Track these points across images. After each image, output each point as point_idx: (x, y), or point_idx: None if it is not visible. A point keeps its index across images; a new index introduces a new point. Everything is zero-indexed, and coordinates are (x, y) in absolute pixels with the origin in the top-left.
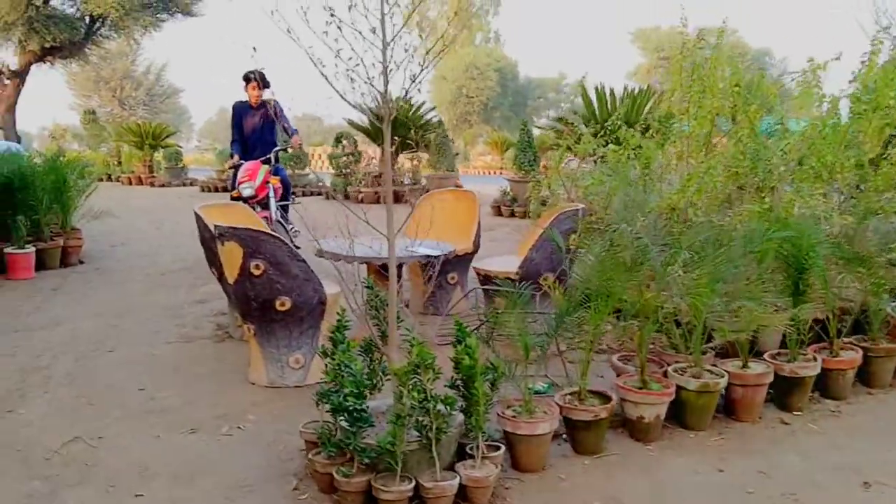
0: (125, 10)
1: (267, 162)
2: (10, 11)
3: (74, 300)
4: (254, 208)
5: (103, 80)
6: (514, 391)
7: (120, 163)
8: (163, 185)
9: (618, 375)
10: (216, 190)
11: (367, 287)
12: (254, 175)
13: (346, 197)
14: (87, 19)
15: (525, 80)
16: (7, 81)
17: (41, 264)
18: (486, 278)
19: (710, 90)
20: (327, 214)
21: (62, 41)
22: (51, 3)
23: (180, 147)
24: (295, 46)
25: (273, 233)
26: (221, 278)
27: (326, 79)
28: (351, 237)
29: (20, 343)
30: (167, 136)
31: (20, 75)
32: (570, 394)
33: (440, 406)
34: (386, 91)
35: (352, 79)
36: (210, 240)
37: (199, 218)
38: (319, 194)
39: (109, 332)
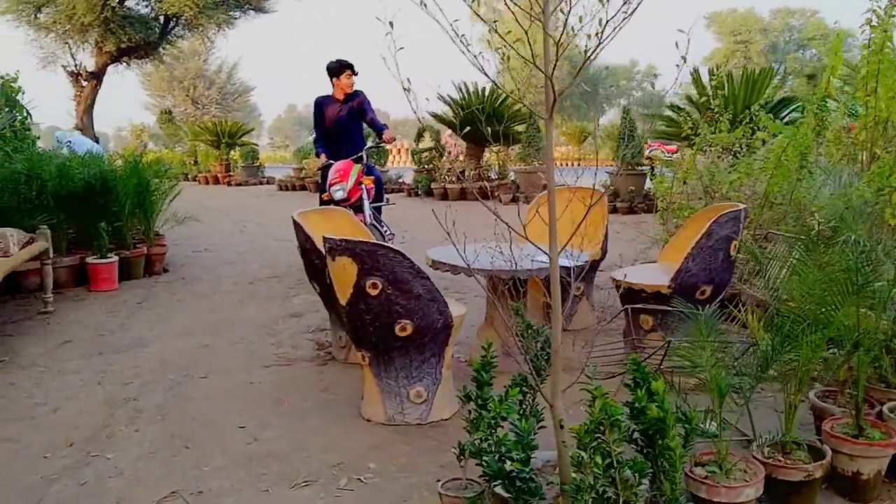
0: (199, 7)
1: (359, 161)
2: (87, 13)
3: (161, 315)
4: None
5: (177, 79)
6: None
7: (196, 162)
8: (239, 185)
9: (817, 417)
10: (294, 188)
11: (516, 313)
12: (345, 175)
13: (430, 194)
14: (162, 19)
15: (596, 68)
16: (84, 83)
17: (124, 274)
18: (629, 291)
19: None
20: (420, 214)
21: (137, 41)
22: (126, 3)
23: (256, 145)
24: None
25: (392, 246)
26: (328, 296)
27: (477, 63)
28: (497, 245)
29: (105, 368)
30: (243, 135)
31: (97, 76)
32: (770, 445)
33: (627, 473)
34: (554, 67)
35: (507, 58)
36: (312, 251)
37: (298, 227)
38: (400, 191)
39: (201, 355)
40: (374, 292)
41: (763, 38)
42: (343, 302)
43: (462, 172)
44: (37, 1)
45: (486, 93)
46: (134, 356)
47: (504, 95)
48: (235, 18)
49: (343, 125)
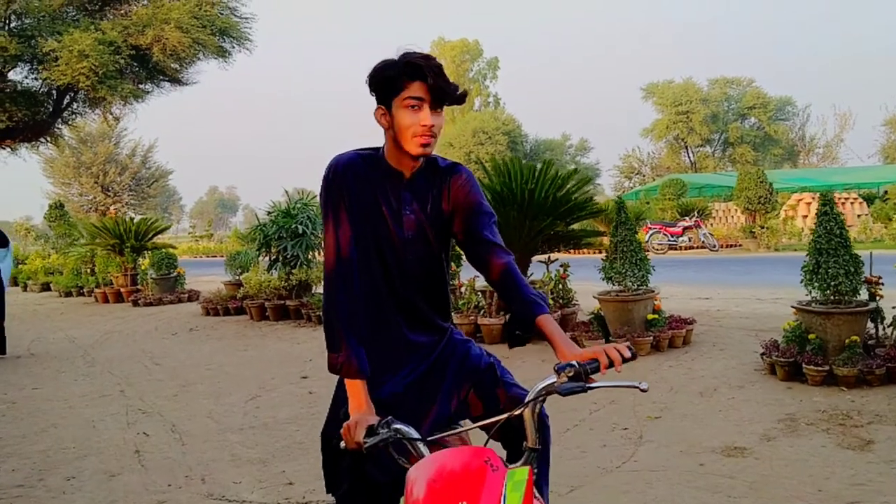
0: (98, 77)
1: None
2: None
3: None
4: None
5: (84, 165)
6: None
7: (94, 271)
8: (150, 304)
9: None
10: (227, 312)
11: None
12: None
13: None
14: (55, 94)
15: (533, 142)
16: None
17: None
18: None
19: None
20: None
21: (21, 120)
22: (8, 76)
23: (173, 248)
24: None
25: None
26: None
27: None
28: None
29: None
30: (155, 234)
31: None
32: None
33: None
34: None
35: None
36: None
37: None
38: None
39: None
40: None
41: (704, 107)
42: None
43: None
44: None
45: (538, 171)
46: None
47: (563, 175)
48: (147, 92)
49: (413, 267)
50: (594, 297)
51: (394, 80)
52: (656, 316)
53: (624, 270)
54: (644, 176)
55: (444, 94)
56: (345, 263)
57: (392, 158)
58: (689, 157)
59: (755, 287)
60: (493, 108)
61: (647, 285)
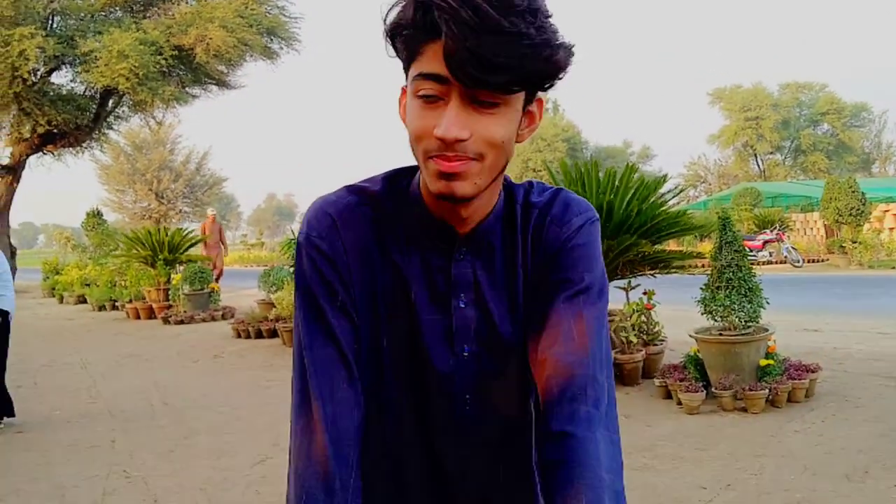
0: (139, 79)
1: None
2: None
3: None
4: None
5: (139, 172)
6: None
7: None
8: (181, 322)
9: None
10: (259, 335)
11: None
12: None
13: None
14: (97, 97)
15: (594, 149)
16: None
17: None
18: None
19: None
20: None
21: (60, 124)
22: (51, 80)
23: (208, 260)
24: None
25: None
26: None
27: None
28: None
29: None
30: (190, 247)
31: (14, 170)
32: None
33: None
34: None
35: None
36: None
37: None
38: None
39: None
40: None
41: (774, 113)
42: None
43: None
44: None
45: (619, 178)
46: None
47: (656, 181)
48: (194, 96)
49: (478, 416)
50: (691, 335)
51: (403, 34)
52: (771, 362)
53: (730, 304)
54: (710, 185)
55: (486, 67)
56: (337, 426)
57: (430, 196)
58: (757, 165)
59: (871, 316)
60: (551, 115)
61: (757, 322)
